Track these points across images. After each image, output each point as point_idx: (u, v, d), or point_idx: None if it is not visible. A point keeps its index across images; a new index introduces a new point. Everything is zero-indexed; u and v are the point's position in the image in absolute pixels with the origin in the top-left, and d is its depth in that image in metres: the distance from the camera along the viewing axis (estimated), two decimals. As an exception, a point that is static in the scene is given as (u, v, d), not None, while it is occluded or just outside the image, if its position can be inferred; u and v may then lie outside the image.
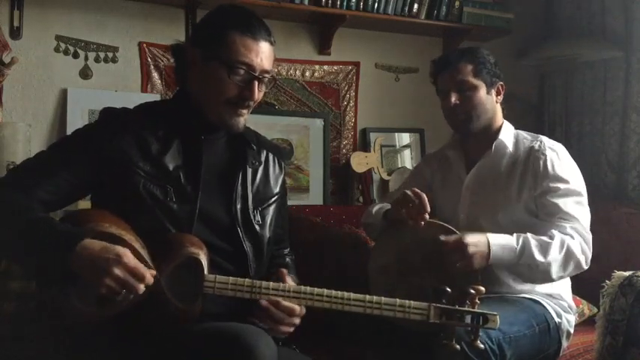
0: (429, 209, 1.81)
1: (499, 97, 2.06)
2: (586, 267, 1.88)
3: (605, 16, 2.99)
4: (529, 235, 1.83)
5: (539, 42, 3.21)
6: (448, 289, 1.48)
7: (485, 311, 1.47)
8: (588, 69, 3.08)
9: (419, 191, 1.84)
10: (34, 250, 1.38)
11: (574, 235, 1.85)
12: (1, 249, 1.53)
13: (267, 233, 1.68)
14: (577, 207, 1.91)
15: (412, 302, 1.48)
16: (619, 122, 2.94)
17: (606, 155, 2.99)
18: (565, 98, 3.17)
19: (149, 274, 1.36)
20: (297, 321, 1.53)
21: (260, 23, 1.59)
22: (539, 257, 1.79)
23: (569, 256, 1.82)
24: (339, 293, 1.47)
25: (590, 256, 1.88)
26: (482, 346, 1.50)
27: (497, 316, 1.47)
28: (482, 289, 1.52)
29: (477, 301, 1.48)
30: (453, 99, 1.99)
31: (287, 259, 1.82)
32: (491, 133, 2.05)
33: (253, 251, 1.63)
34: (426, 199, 1.83)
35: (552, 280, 1.87)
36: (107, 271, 1.31)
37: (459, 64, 2.00)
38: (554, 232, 1.84)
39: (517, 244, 1.80)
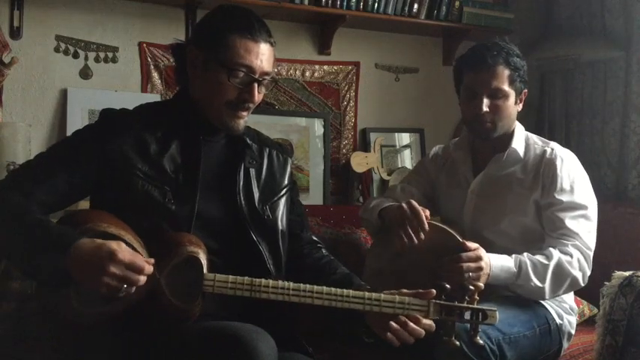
0: (426, 227, 1.79)
1: (521, 104, 2.01)
2: (583, 284, 1.88)
3: (605, 16, 2.99)
4: (527, 256, 1.83)
5: (539, 42, 3.21)
6: (447, 285, 1.49)
7: (484, 307, 1.48)
8: (588, 69, 3.07)
9: (416, 207, 1.82)
10: (31, 254, 1.37)
11: (573, 254, 1.85)
12: (0, 251, 1.53)
13: (279, 227, 1.68)
14: (580, 222, 1.90)
15: (411, 299, 1.48)
16: (619, 122, 2.93)
17: (606, 155, 2.99)
18: (565, 98, 3.16)
19: (147, 265, 1.35)
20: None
21: (260, 24, 1.58)
22: (535, 280, 1.80)
23: (565, 277, 1.83)
24: (339, 290, 1.47)
25: (588, 273, 1.88)
26: (481, 341, 1.50)
27: (497, 312, 1.48)
28: (481, 285, 1.53)
29: (476, 297, 1.49)
30: (485, 106, 1.91)
31: (323, 252, 1.79)
32: (505, 137, 2.01)
33: (268, 247, 1.63)
34: (423, 216, 1.80)
35: (545, 299, 1.88)
36: (104, 270, 1.30)
37: (496, 67, 1.90)
38: (553, 251, 1.84)
39: (515, 267, 1.80)
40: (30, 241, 1.37)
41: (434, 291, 1.48)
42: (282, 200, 1.72)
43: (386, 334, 1.48)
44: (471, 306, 1.47)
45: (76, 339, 1.48)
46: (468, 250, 1.76)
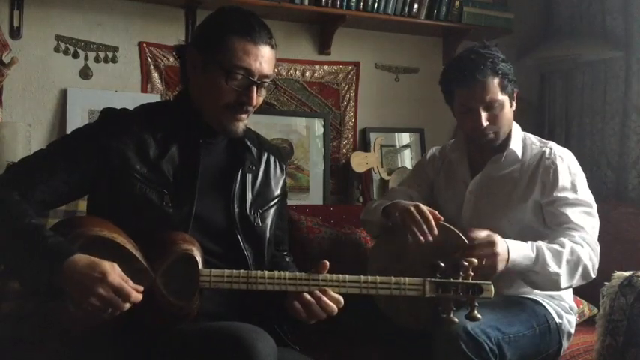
0: (436, 231, 1.75)
1: (514, 102, 1.99)
2: (593, 276, 1.87)
3: (605, 16, 2.99)
4: (542, 243, 1.81)
5: (539, 42, 3.21)
6: (441, 263, 1.49)
7: (479, 281, 1.49)
8: (588, 69, 3.07)
9: (425, 210, 1.78)
10: (21, 261, 1.37)
11: (583, 244, 1.84)
12: None
13: (267, 235, 1.67)
14: (586, 217, 1.90)
15: (407, 279, 1.49)
16: (619, 122, 2.94)
17: (606, 155, 2.99)
18: (565, 98, 3.17)
19: (135, 293, 1.35)
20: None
21: (261, 26, 1.56)
22: (552, 266, 1.78)
23: (578, 265, 1.81)
24: (335, 276, 1.47)
25: (597, 265, 1.87)
26: (479, 315, 1.50)
27: (492, 285, 1.49)
28: (475, 260, 1.53)
29: (470, 272, 1.50)
30: (484, 120, 1.90)
31: (287, 259, 1.82)
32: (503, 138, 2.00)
33: (253, 255, 1.63)
34: (432, 220, 1.76)
35: (560, 289, 1.86)
36: (92, 290, 1.30)
37: (486, 80, 1.88)
38: (565, 240, 1.82)
39: (533, 252, 1.78)
40: (21, 248, 1.37)
41: None
42: (272, 210, 1.72)
43: (301, 314, 1.47)
44: (465, 281, 1.49)
45: (76, 339, 1.48)
46: (478, 238, 1.72)
